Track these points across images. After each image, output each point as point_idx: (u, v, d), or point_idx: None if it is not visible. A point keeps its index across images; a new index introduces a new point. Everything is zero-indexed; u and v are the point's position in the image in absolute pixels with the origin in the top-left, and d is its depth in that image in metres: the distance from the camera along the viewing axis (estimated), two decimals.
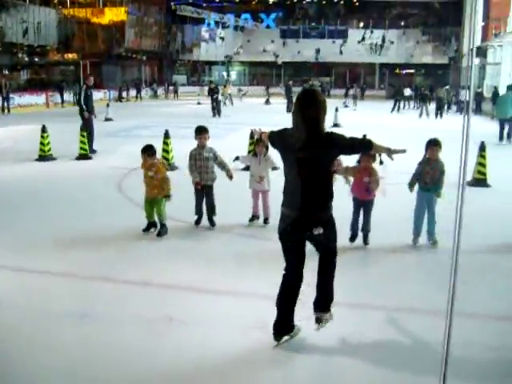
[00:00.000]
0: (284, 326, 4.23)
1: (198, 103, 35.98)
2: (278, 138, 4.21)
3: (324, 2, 59.84)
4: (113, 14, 45.78)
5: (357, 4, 57.56)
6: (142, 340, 4.31)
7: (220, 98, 28.96)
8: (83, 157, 13.25)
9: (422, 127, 21.63)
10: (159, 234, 7.04)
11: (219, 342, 4.24)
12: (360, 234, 6.71)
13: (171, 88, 46.54)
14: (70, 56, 46.00)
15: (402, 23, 57.66)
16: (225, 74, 56.32)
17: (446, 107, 31.11)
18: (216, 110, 27.39)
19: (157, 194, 6.98)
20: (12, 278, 5.73)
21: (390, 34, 55.72)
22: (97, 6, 46.20)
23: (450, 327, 2.88)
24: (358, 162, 6.51)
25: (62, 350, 4.15)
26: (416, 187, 6.73)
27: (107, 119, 23.51)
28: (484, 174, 10.56)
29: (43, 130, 13.08)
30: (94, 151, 14.03)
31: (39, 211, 8.38)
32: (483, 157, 10.57)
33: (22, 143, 16.12)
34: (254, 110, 32.98)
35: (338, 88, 49.67)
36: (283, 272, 4.18)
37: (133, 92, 42.69)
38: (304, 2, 60.93)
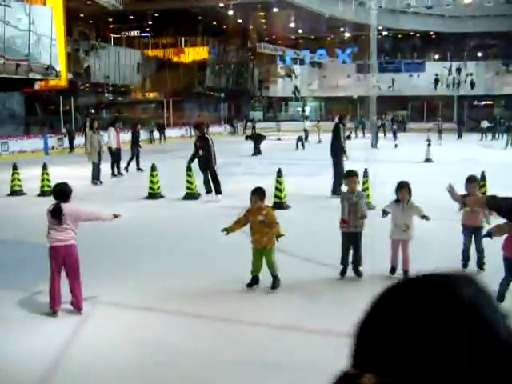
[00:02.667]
0: None
1: (278, 139, 36.19)
2: None
3: (400, 36, 59.53)
4: (194, 54, 47.18)
5: (433, 36, 56.93)
6: None
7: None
8: (190, 196, 13.43)
9: None
10: (273, 287, 6.52)
11: None
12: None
13: (249, 124, 47.08)
14: (152, 95, 47.51)
15: (481, 54, 56.52)
16: (300, 109, 56.71)
17: None
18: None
19: (267, 242, 6.49)
20: (187, 324, 5.74)
21: (469, 65, 54.58)
22: (178, 47, 47.71)
23: None
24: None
25: None
26: None
27: None
28: None
29: (153, 168, 13.40)
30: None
31: (169, 253, 8.44)
32: None
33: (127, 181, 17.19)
34: None
35: (414, 122, 48.77)
36: None
37: (213, 129, 43.30)
38: (379, 37, 60.64)
